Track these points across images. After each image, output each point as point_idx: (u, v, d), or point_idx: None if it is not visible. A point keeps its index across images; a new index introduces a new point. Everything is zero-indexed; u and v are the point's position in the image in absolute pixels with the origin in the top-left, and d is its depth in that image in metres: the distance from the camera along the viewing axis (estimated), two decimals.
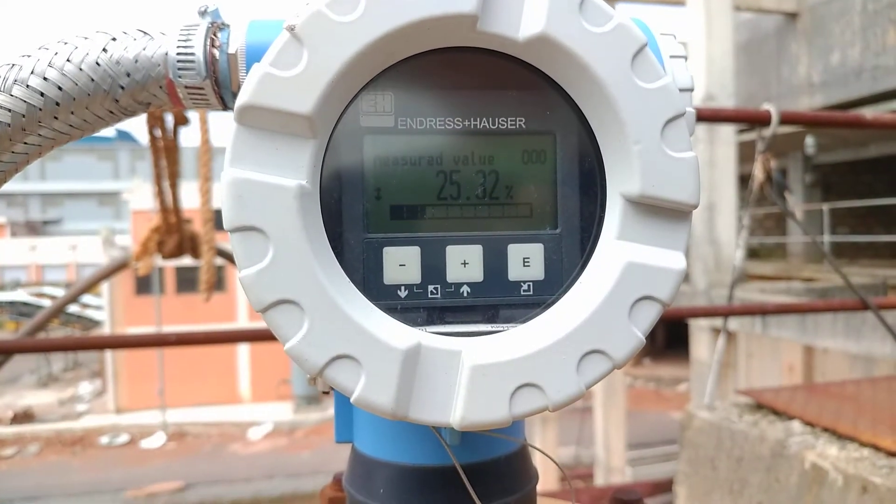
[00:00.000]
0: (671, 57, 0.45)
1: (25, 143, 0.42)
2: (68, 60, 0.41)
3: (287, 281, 0.34)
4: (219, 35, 0.43)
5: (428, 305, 0.39)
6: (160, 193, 2.26)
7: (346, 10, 0.34)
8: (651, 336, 0.39)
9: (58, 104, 0.41)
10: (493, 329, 0.39)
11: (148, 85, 0.43)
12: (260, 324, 0.56)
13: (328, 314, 0.34)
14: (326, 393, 0.44)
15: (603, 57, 0.36)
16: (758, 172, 2.37)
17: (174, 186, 2.27)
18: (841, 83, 8.39)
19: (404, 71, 0.38)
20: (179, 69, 0.43)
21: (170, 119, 2.12)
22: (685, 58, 0.46)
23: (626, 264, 0.37)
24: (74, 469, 12.85)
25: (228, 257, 2.42)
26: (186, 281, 15.40)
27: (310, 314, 0.34)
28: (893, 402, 2.00)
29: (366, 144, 0.38)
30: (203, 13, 0.44)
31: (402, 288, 0.38)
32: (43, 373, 19.22)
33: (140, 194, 15.61)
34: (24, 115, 0.41)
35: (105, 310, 17.37)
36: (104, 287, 15.82)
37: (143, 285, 15.67)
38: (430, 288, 0.39)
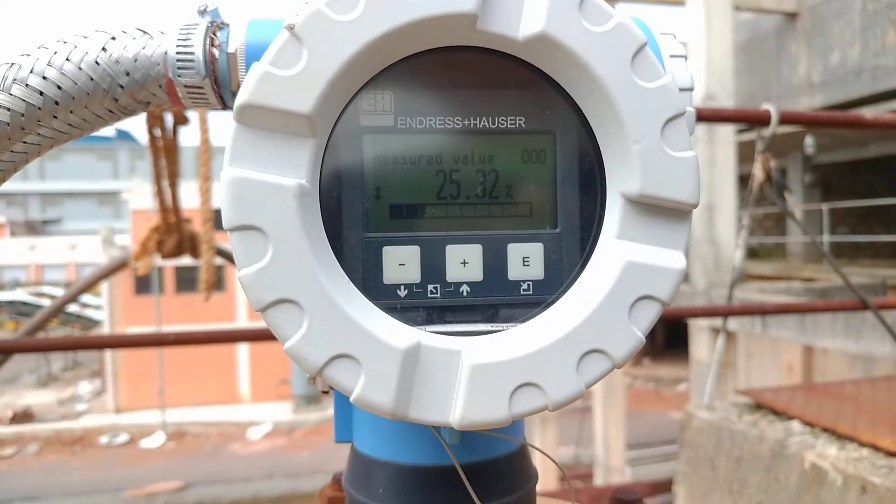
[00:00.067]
0: (671, 56, 0.45)
1: (25, 143, 0.42)
2: (68, 59, 0.41)
3: (286, 280, 0.34)
4: (218, 34, 0.43)
5: (427, 305, 0.39)
6: (160, 193, 2.26)
7: (346, 9, 0.34)
8: (650, 336, 0.39)
9: (57, 103, 0.41)
10: (493, 328, 0.39)
11: (147, 84, 0.43)
12: (259, 323, 0.56)
13: (328, 313, 0.34)
14: (326, 392, 0.44)
15: (603, 56, 0.36)
16: (757, 172, 2.37)
17: (174, 186, 2.26)
18: (841, 83, 8.40)
19: (404, 70, 0.38)
20: (179, 68, 0.42)
21: (169, 118, 2.12)
22: (685, 57, 0.45)
23: (625, 264, 0.37)
24: (74, 469, 12.84)
25: (228, 257, 2.42)
26: (186, 280, 15.40)
27: (309, 313, 0.34)
28: (893, 402, 2.00)
29: (365, 144, 0.38)
30: (202, 12, 0.44)
31: (402, 287, 0.38)
32: (42, 372, 19.22)
33: (139, 194, 15.62)
34: (23, 115, 0.41)
35: (104, 309, 17.37)
36: (103, 287, 15.81)
37: (143, 285, 15.67)
38: (430, 287, 0.39)
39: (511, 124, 0.40)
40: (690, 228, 0.39)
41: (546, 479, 7.19)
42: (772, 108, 1.86)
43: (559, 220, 0.40)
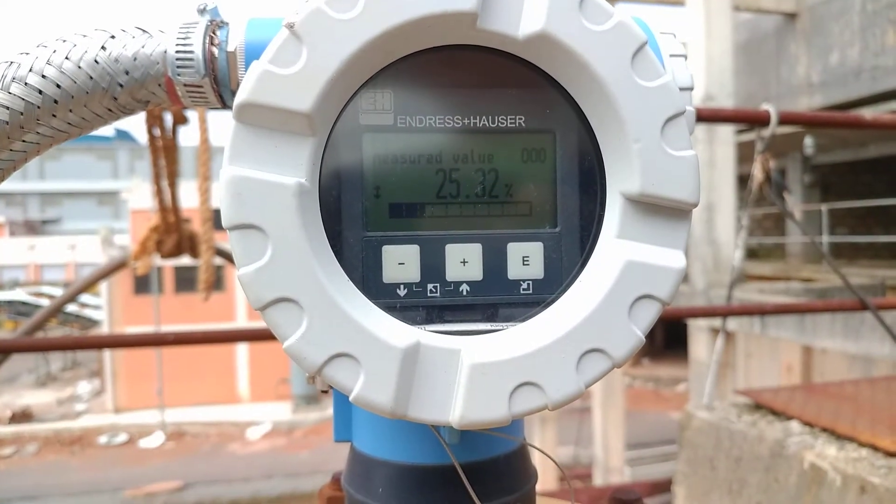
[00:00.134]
0: (671, 56, 0.45)
1: (24, 141, 0.42)
2: (67, 58, 0.41)
3: (286, 279, 0.34)
4: (218, 33, 0.43)
5: (427, 304, 0.38)
6: (159, 193, 2.25)
7: (346, 7, 0.34)
8: (650, 336, 0.39)
9: (56, 102, 0.41)
10: (493, 328, 0.39)
11: (147, 83, 0.43)
12: (259, 323, 0.56)
13: (327, 312, 0.34)
14: (325, 392, 0.44)
15: (603, 55, 0.36)
16: (757, 172, 2.37)
17: (173, 186, 2.26)
18: (840, 83, 8.40)
19: (404, 69, 0.38)
20: (178, 67, 0.42)
21: (169, 118, 2.12)
22: (685, 57, 0.45)
23: (625, 263, 0.37)
24: (73, 468, 12.84)
25: (227, 257, 2.42)
26: (185, 280, 15.40)
27: (309, 312, 0.34)
28: (892, 402, 2.01)
29: (365, 142, 0.38)
30: (202, 11, 0.44)
31: (402, 286, 0.38)
32: (41, 372, 19.20)
33: (139, 194, 15.60)
34: (22, 113, 0.41)
35: (104, 309, 17.36)
36: (103, 286, 15.80)
37: (142, 285, 15.66)
38: (430, 286, 0.39)
39: (511, 123, 0.40)
40: (690, 228, 0.39)
41: (545, 478, 7.20)
42: (771, 109, 1.86)
43: (559, 219, 0.40)
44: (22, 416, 15.31)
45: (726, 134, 7.20)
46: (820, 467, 1.64)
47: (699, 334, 7.10)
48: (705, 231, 7.11)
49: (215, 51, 0.43)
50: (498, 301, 0.39)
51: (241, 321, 15.56)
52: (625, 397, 8.95)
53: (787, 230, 11.91)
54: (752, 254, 12.44)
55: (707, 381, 2.77)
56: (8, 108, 0.40)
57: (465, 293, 0.39)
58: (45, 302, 18.66)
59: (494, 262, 0.39)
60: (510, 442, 0.49)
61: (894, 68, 7.62)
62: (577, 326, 0.36)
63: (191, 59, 0.42)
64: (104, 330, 16.77)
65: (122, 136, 33.87)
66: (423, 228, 0.39)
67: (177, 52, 0.42)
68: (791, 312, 2.70)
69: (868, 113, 4.35)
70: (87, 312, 20.60)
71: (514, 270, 0.39)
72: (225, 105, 0.45)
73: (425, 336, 0.36)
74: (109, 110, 0.43)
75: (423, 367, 0.35)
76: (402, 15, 0.35)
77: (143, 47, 0.43)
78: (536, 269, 0.40)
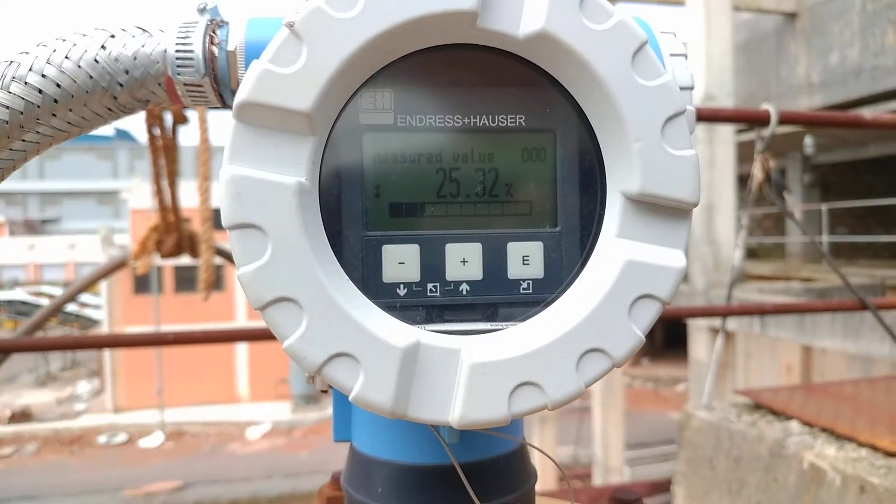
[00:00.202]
0: (671, 55, 0.45)
1: (23, 141, 0.42)
2: (67, 57, 0.41)
3: (286, 278, 0.34)
4: (218, 32, 0.43)
5: (427, 304, 0.38)
6: (159, 192, 2.25)
7: (346, 6, 0.34)
8: (650, 336, 0.39)
9: (56, 101, 0.41)
10: (493, 327, 0.39)
11: (147, 82, 0.43)
12: (258, 323, 0.55)
13: (327, 312, 0.34)
14: (325, 391, 0.44)
15: (603, 54, 0.36)
16: (757, 172, 2.37)
17: (173, 185, 2.26)
18: (840, 83, 8.40)
19: (404, 68, 0.38)
20: (178, 66, 0.42)
21: (169, 118, 2.12)
22: (685, 56, 0.45)
23: (625, 262, 0.37)
24: (72, 468, 12.84)
25: (227, 256, 2.42)
26: (185, 280, 15.40)
27: (308, 312, 0.34)
28: (891, 402, 2.01)
29: (365, 142, 0.38)
30: (202, 10, 0.44)
31: (402, 286, 0.38)
32: (41, 372, 19.20)
33: (139, 193, 15.60)
34: (22, 113, 0.41)
35: (103, 309, 17.36)
36: (102, 286, 15.80)
37: (142, 284, 15.65)
38: (430, 286, 0.39)
39: (511, 123, 0.40)
40: (690, 228, 0.39)
41: (545, 478, 7.20)
42: (771, 108, 1.86)
43: (559, 218, 0.40)
44: (21, 416, 15.31)
45: (726, 133, 7.20)
46: (819, 467, 1.64)
47: (699, 334, 7.10)
48: (705, 231, 7.11)
49: (215, 50, 0.43)
50: (498, 301, 0.39)
51: (241, 321, 15.56)
52: (624, 397, 8.95)
53: (787, 230, 11.91)
54: (751, 253, 12.45)
55: (707, 380, 2.77)
56: (8, 107, 0.40)
57: (464, 293, 0.39)
58: (44, 301, 18.66)
59: (494, 261, 0.39)
60: (510, 442, 0.49)
61: (894, 68, 7.62)
62: (577, 326, 0.36)
63: (191, 59, 0.42)
64: (104, 329, 16.77)
65: (122, 135, 33.85)
66: (423, 228, 0.39)
67: (177, 51, 0.42)
68: (791, 312, 2.70)
69: (868, 113, 4.35)
70: (87, 312, 20.61)
71: (514, 270, 0.39)
72: (225, 104, 0.45)
73: (425, 336, 0.36)
74: (109, 110, 0.43)
75: (423, 366, 0.35)
76: (403, 14, 0.35)
77: (143, 46, 0.43)
78: (536, 269, 0.40)
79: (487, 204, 0.40)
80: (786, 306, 2.87)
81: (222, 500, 11.34)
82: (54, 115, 0.42)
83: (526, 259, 0.40)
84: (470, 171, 0.39)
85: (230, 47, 0.43)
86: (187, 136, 2.08)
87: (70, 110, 0.42)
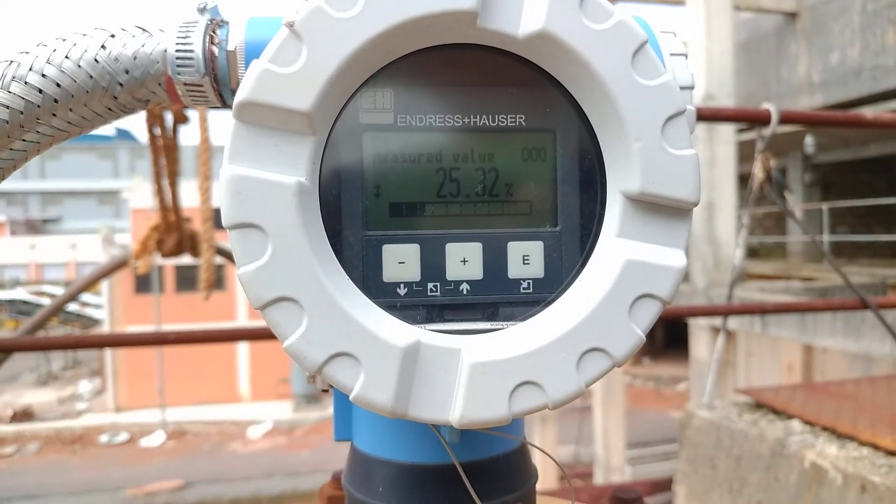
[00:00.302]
0: (671, 55, 0.45)
1: (24, 140, 0.42)
2: (67, 57, 0.41)
3: (286, 278, 0.34)
4: (218, 32, 0.43)
5: (427, 303, 0.38)
6: (160, 192, 2.26)
7: (346, 6, 0.34)
8: (650, 335, 0.39)
9: (56, 101, 0.41)
10: (493, 327, 0.39)
11: (147, 82, 0.43)
12: (259, 322, 0.55)
13: (327, 312, 0.34)
14: (325, 391, 0.44)
15: (603, 54, 0.36)
16: (757, 172, 2.37)
17: (174, 185, 2.26)
18: (840, 83, 8.39)
19: (404, 68, 0.38)
20: (178, 66, 0.42)
21: (169, 117, 2.12)
22: (685, 56, 0.45)
23: (626, 262, 0.37)
24: (74, 467, 12.85)
25: (228, 256, 2.42)
26: (186, 279, 15.40)
27: (309, 312, 0.34)
28: (892, 401, 2.00)
29: (365, 141, 0.38)
30: (202, 10, 0.44)
31: (402, 286, 0.38)
32: (42, 371, 19.22)
33: (140, 193, 15.61)
34: (22, 112, 0.41)
35: (104, 308, 17.37)
36: (104, 285, 15.81)
37: (143, 284, 15.66)
38: (430, 286, 0.39)
39: (511, 122, 0.40)
40: (691, 227, 0.39)
41: (546, 477, 7.20)
42: (772, 108, 1.86)
43: (559, 218, 0.40)
44: (23, 415, 15.32)
45: (727, 133, 7.20)
46: (820, 466, 1.64)
47: (700, 333, 7.10)
48: (706, 230, 7.11)
49: (215, 50, 0.43)
50: (498, 300, 0.39)
51: (242, 320, 15.56)
52: (625, 396, 8.95)
53: (788, 229, 11.90)
54: (752, 253, 12.44)
55: (708, 380, 2.77)
56: (8, 107, 0.40)
57: (465, 292, 0.39)
58: (45, 301, 18.68)
59: (495, 261, 0.39)
60: (510, 441, 0.48)
61: (895, 68, 7.61)
62: (578, 325, 0.36)
63: (191, 58, 0.42)
64: (105, 329, 16.78)
65: (123, 135, 33.85)
66: (424, 227, 0.39)
67: (177, 50, 0.42)
68: (792, 311, 2.70)
69: (869, 112, 4.34)
70: (88, 311, 20.62)
71: (515, 269, 0.39)
72: (225, 104, 0.45)
73: (425, 335, 0.36)
74: (110, 109, 0.43)
75: (424, 366, 0.35)
76: (403, 14, 0.35)
77: (143, 46, 0.43)
78: (537, 269, 0.40)
79: (488, 203, 0.40)
80: (787, 305, 2.87)
81: (223, 500, 11.35)
82: (54, 114, 0.42)
83: (526, 259, 0.40)
84: (470, 170, 0.39)
85: (230, 47, 0.42)
86: (188, 136, 2.08)
87: (70, 110, 0.42)
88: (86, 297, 19.44)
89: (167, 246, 2.30)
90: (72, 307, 19.25)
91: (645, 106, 0.37)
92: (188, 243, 2.33)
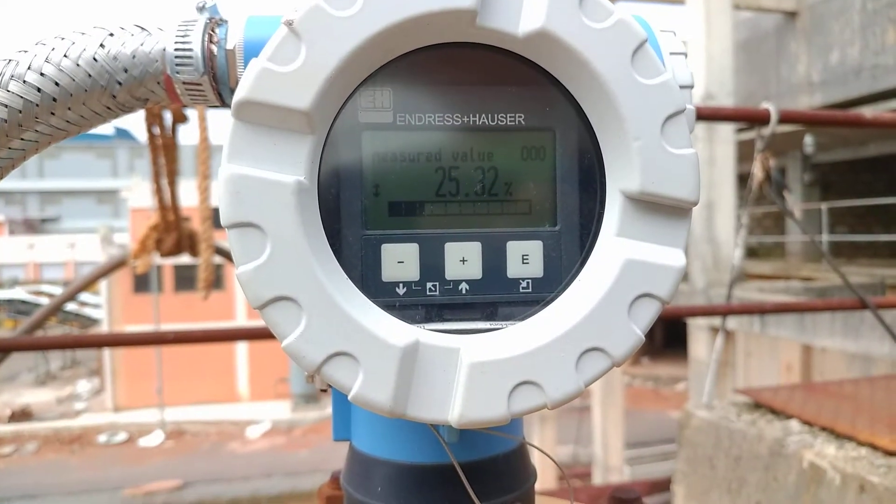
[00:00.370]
0: (671, 54, 0.45)
1: (22, 140, 0.42)
2: (65, 56, 0.41)
3: (285, 277, 0.34)
4: (217, 31, 0.43)
5: (426, 303, 0.38)
6: (159, 191, 2.25)
7: (345, 5, 0.34)
8: (649, 335, 0.39)
9: (55, 100, 0.41)
10: (492, 326, 0.38)
11: (145, 81, 0.43)
12: (258, 322, 0.55)
13: (326, 311, 0.34)
14: (324, 391, 0.44)
15: (603, 53, 0.36)
16: (757, 171, 2.37)
17: (173, 184, 2.26)
18: (840, 82, 8.40)
19: (403, 67, 0.38)
20: (177, 65, 0.42)
21: (168, 117, 2.11)
22: (685, 55, 0.45)
23: (625, 261, 0.37)
24: (72, 467, 12.84)
25: (227, 255, 2.42)
26: (185, 279, 15.40)
27: (307, 311, 0.34)
28: (891, 401, 2.01)
29: (364, 140, 0.38)
30: (201, 9, 0.44)
31: (401, 285, 0.38)
32: (41, 371, 19.21)
33: (138, 192, 15.59)
34: (20, 111, 0.41)
35: (103, 308, 17.36)
36: (102, 285, 15.81)
37: (142, 283, 15.66)
38: (429, 285, 0.38)
39: (511, 121, 0.39)
40: (690, 226, 0.39)
41: (545, 477, 7.20)
42: (771, 107, 1.86)
43: (558, 217, 0.40)
44: (21, 415, 15.31)
45: (726, 132, 7.20)
46: (819, 466, 1.64)
47: (699, 333, 7.10)
48: (705, 229, 7.11)
49: (214, 48, 0.42)
50: (497, 300, 0.39)
51: (241, 320, 15.55)
52: (624, 396, 8.95)
53: (787, 229, 11.91)
54: (751, 252, 12.44)
55: (707, 379, 2.77)
56: (7, 106, 0.40)
57: (464, 292, 0.39)
58: (44, 300, 18.67)
59: (494, 260, 0.39)
60: (509, 441, 0.48)
61: (894, 67, 7.61)
62: (577, 325, 0.36)
63: (190, 57, 0.42)
64: (104, 328, 16.77)
65: (122, 134, 33.81)
66: (423, 227, 0.39)
67: (176, 49, 0.42)
68: (791, 311, 2.70)
69: (868, 111, 4.34)
70: (87, 311, 20.61)
71: (514, 269, 0.39)
72: (224, 103, 0.45)
73: (424, 335, 0.36)
74: (108, 108, 0.43)
75: (422, 365, 0.35)
76: (402, 12, 0.35)
77: (141, 45, 0.43)
78: (536, 268, 0.40)
79: (487, 203, 0.40)
80: (786, 305, 2.87)
81: (222, 499, 11.35)
82: (53, 113, 0.41)
83: (525, 258, 0.39)
84: (469, 169, 0.39)
85: (229, 46, 0.42)
86: (187, 135, 2.08)
87: (69, 109, 0.42)
88: (84, 296, 19.45)
89: (166, 245, 2.30)
90: (70, 307, 19.25)
91: (644, 105, 0.36)
92: (187, 243, 2.33)
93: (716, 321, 6.05)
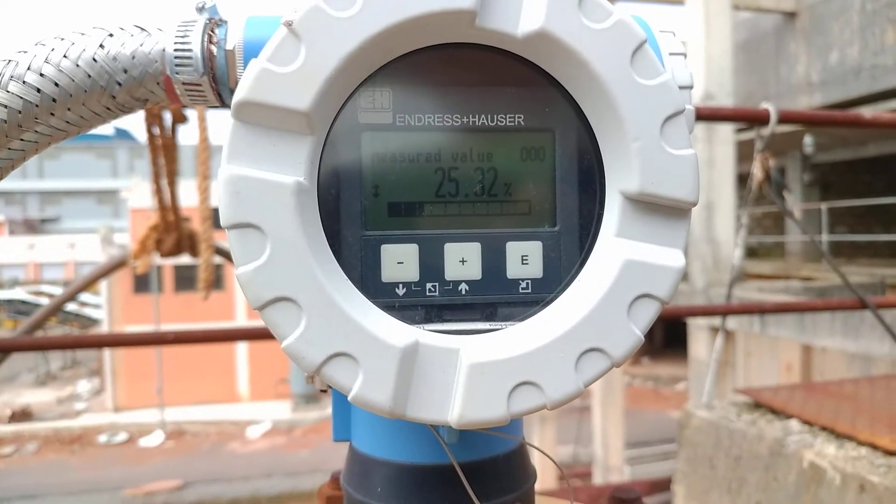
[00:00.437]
0: (670, 54, 0.45)
1: (22, 140, 0.42)
2: (65, 56, 0.41)
3: (284, 278, 0.34)
4: (216, 31, 0.43)
5: (426, 303, 0.38)
6: (158, 191, 2.25)
7: (344, 5, 0.34)
8: (649, 335, 0.39)
9: (54, 100, 0.41)
10: (492, 327, 0.38)
11: (145, 81, 0.43)
12: (258, 322, 0.55)
13: (326, 312, 0.34)
14: (324, 391, 0.44)
15: (602, 53, 0.36)
16: (756, 171, 2.37)
17: (172, 184, 2.26)
18: (840, 82, 8.40)
19: (402, 67, 0.38)
20: (177, 65, 0.42)
21: (168, 117, 2.11)
22: (685, 55, 0.45)
23: (624, 262, 0.37)
24: (73, 467, 12.84)
25: (227, 255, 2.42)
26: (185, 279, 15.40)
27: (307, 312, 0.34)
28: (891, 401, 2.01)
29: (364, 141, 0.38)
30: (201, 9, 0.44)
31: (400, 286, 0.38)
32: (41, 371, 19.20)
33: (138, 192, 15.59)
34: (20, 112, 0.41)
35: (103, 308, 17.36)
36: (102, 285, 15.80)
37: (142, 283, 15.65)
38: (429, 286, 0.38)
39: (510, 122, 0.39)
40: (690, 227, 0.39)
41: (545, 477, 7.20)
42: (771, 108, 1.86)
43: (558, 218, 0.40)
44: (22, 415, 15.31)
45: (726, 133, 7.20)
46: (819, 466, 1.64)
47: (699, 333, 7.10)
48: (705, 230, 7.11)
49: (214, 49, 0.42)
50: (497, 300, 0.39)
51: (241, 320, 15.55)
52: (624, 396, 8.95)
53: (787, 229, 11.91)
54: (751, 252, 12.44)
55: (706, 379, 2.77)
56: (6, 106, 0.40)
57: (463, 292, 0.39)
58: (44, 301, 18.66)
59: (493, 261, 0.39)
60: (509, 441, 0.48)
61: (894, 67, 7.61)
62: (576, 326, 0.36)
63: (189, 58, 0.42)
64: (104, 329, 16.77)
65: (122, 134, 33.79)
66: (422, 227, 0.39)
67: (175, 50, 0.42)
68: (791, 311, 2.70)
69: (867, 112, 4.34)
70: (87, 311, 20.61)
71: (513, 269, 0.39)
72: (224, 103, 0.45)
73: (424, 335, 0.36)
74: (108, 109, 0.43)
75: (422, 366, 0.35)
76: (401, 13, 0.35)
77: (141, 45, 0.43)
78: (535, 269, 0.40)
79: (486, 203, 0.40)
80: (786, 305, 2.87)
81: (222, 500, 11.35)
82: (53, 114, 0.41)
83: (525, 259, 0.39)
84: (469, 170, 0.39)
85: (229, 46, 0.42)
86: (187, 135, 2.08)
87: (69, 109, 0.42)
88: (84, 296, 19.45)
89: (166, 245, 2.30)
90: (70, 307, 19.25)
91: (644, 105, 0.36)
92: (187, 243, 2.33)
93: (716, 321, 6.05)
